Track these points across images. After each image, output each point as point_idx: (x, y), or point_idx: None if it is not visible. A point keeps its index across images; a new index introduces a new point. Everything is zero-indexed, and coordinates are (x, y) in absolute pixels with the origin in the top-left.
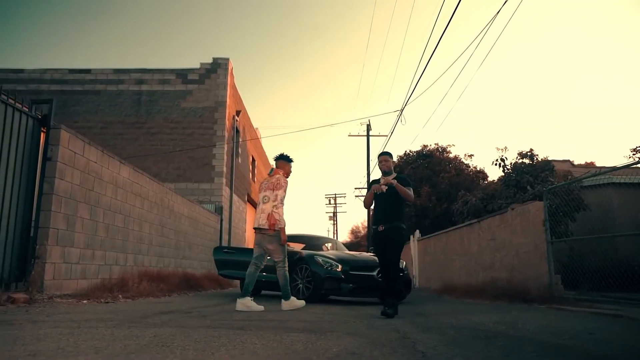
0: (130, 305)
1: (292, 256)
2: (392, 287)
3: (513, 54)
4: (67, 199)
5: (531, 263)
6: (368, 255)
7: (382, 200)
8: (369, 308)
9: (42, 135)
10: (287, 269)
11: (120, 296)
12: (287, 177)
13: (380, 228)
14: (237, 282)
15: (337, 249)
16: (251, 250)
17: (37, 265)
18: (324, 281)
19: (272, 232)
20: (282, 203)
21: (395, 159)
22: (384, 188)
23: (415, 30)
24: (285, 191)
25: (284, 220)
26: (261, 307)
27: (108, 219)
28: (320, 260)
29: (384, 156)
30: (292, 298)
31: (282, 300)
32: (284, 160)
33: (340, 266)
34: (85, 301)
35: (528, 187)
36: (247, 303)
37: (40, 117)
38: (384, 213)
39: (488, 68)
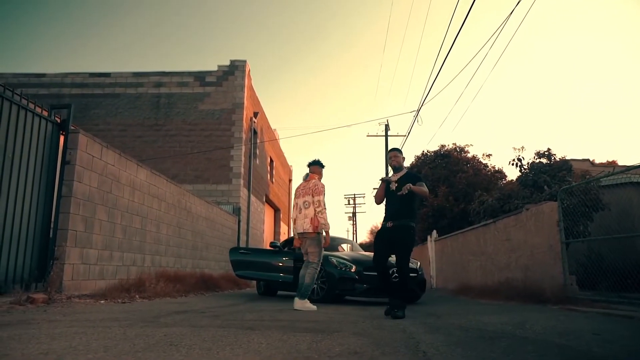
0: (146, 306)
1: None
2: (401, 288)
3: (530, 52)
4: (85, 201)
5: (546, 263)
6: None
7: (394, 197)
8: (381, 309)
9: (61, 139)
10: (317, 272)
11: (137, 296)
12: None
13: (389, 224)
14: (255, 282)
15: (353, 250)
16: (266, 251)
17: (56, 266)
18: (338, 282)
19: (314, 234)
20: (325, 207)
21: (412, 159)
22: (403, 190)
23: (433, 30)
24: (324, 195)
25: (328, 224)
26: (314, 307)
27: (126, 220)
28: (335, 261)
29: (394, 152)
30: (307, 300)
31: (296, 298)
32: (318, 166)
33: (354, 267)
34: (102, 301)
35: (545, 187)
36: (304, 304)
37: (59, 121)
38: (396, 210)
39: (505, 67)
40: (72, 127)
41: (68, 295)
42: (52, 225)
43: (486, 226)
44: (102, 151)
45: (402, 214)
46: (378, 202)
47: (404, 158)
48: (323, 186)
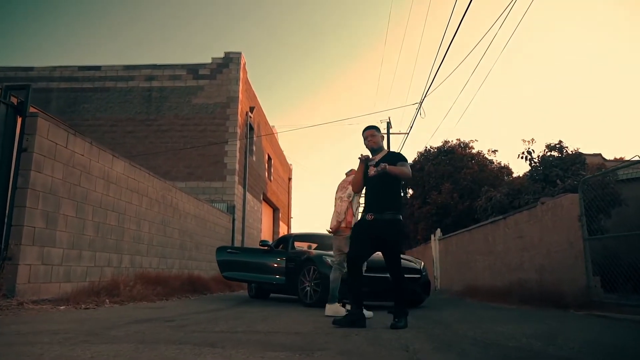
0: (110, 312)
1: (300, 256)
2: (398, 293)
3: (538, 40)
4: (46, 194)
5: (565, 263)
6: None
7: (374, 184)
8: (382, 314)
9: (19, 124)
10: (340, 272)
11: (107, 301)
12: None
13: (369, 217)
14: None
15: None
16: (256, 250)
17: (7, 267)
18: None
19: (334, 232)
20: (347, 198)
21: (415, 155)
22: (378, 168)
23: (436, 17)
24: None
25: (343, 214)
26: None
27: (99, 216)
28: (330, 261)
29: (370, 130)
30: (336, 304)
31: (327, 304)
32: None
33: None
34: (62, 307)
35: (558, 181)
36: (335, 308)
37: (15, 104)
38: (375, 199)
39: (511, 56)
40: (31, 111)
41: (21, 300)
42: (5, 221)
43: (495, 223)
44: (68, 139)
45: (385, 205)
46: (355, 188)
47: (382, 137)
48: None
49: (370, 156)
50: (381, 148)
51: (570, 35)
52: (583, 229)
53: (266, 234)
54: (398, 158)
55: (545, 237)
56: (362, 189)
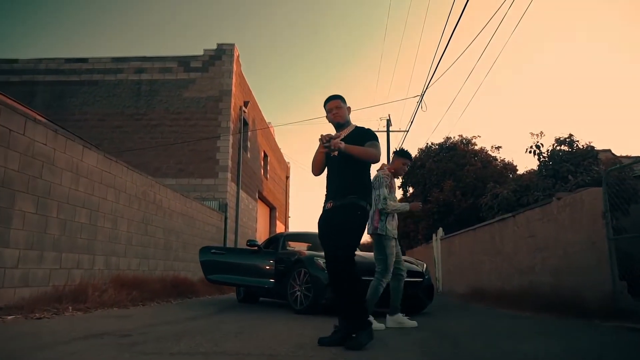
0: (62, 324)
1: (290, 257)
2: (347, 301)
3: (543, 32)
4: None
5: (585, 266)
6: None
7: (335, 165)
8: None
9: None
10: (382, 283)
11: (70, 308)
12: (396, 175)
13: (328, 205)
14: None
15: None
16: (243, 250)
17: None
18: (325, 289)
19: (373, 235)
20: (385, 199)
21: (416, 151)
22: (332, 146)
23: (436, 8)
24: (385, 187)
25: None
26: (414, 323)
27: (65, 213)
28: (322, 263)
29: (335, 101)
30: (399, 315)
31: (387, 315)
32: (395, 155)
33: None
34: (10, 317)
35: (569, 177)
36: (398, 319)
37: None
38: (336, 184)
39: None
40: None
41: None
42: None
43: (503, 221)
44: (26, 125)
45: (345, 189)
46: (315, 171)
47: (349, 108)
48: (387, 176)
49: (336, 132)
50: (348, 122)
51: (577, 26)
52: (608, 228)
53: (262, 234)
54: (366, 136)
55: (561, 236)
56: (321, 171)
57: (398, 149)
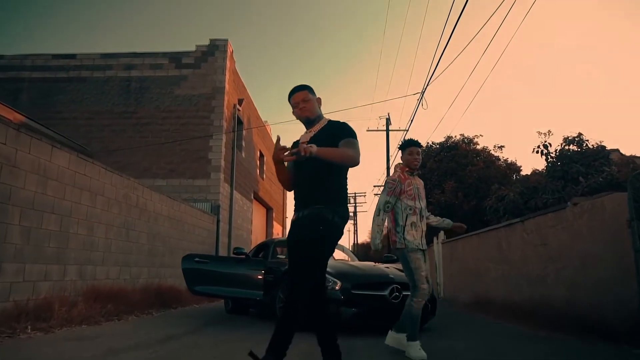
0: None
1: (280, 267)
2: (285, 323)
3: (549, 28)
4: None
5: (607, 280)
6: (380, 267)
7: (303, 170)
8: (378, 339)
9: None
10: (413, 304)
11: (29, 328)
12: (412, 171)
13: (294, 217)
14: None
15: (343, 258)
16: (229, 259)
17: None
18: None
19: (396, 249)
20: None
21: None
22: (300, 150)
23: (436, 8)
24: (387, 194)
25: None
26: (423, 355)
27: (29, 220)
28: None
29: (301, 92)
30: (413, 344)
31: (407, 341)
32: (401, 149)
33: (339, 283)
34: None
35: (580, 179)
36: (403, 341)
37: None
38: (306, 191)
39: (519, 44)
40: None
41: None
42: None
43: (511, 226)
44: None
45: (316, 197)
46: (288, 186)
47: (319, 100)
48: (392, 181)
49: (305, 130)
50: (319, 117)
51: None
52: (634, 238)
53: (259, 235)
54: (342, 131)
55: (577, 246)
56: (290, 181)
57: (399, 144)
